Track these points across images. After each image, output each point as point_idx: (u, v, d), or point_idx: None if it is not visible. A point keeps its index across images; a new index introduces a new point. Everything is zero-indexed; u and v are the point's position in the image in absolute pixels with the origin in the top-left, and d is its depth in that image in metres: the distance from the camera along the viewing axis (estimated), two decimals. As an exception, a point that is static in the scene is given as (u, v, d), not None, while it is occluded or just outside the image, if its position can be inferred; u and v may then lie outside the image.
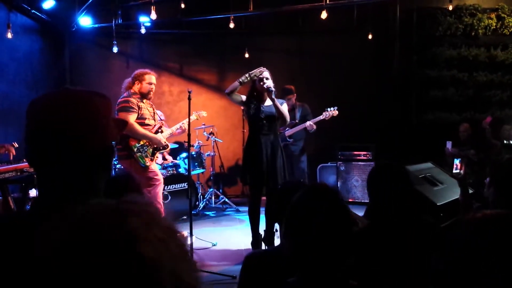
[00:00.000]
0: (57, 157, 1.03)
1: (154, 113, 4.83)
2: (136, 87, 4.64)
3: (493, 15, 7.40)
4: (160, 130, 4.79)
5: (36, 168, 1.09)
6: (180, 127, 5.05)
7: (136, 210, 0.61)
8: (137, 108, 4.53)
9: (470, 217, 0.83)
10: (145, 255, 0.55)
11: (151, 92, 4.70)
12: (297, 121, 6.12)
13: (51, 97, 1.09)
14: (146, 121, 4.65)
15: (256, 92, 4.49)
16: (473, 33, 7.40)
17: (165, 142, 4.80)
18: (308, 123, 5.99)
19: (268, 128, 4.43)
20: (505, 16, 7.36)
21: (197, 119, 5.53)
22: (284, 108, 4.48)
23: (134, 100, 4.53)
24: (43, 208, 1.06)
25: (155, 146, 4.67)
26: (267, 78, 4.43)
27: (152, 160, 4.63)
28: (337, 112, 6.03)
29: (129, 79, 4.73)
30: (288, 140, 6.08)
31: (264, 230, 4.35)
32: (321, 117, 6.05)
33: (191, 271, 0.62)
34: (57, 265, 0.54)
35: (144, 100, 4.68)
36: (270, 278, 1.78)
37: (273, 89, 4.35)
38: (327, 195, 1.40)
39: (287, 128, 6.04)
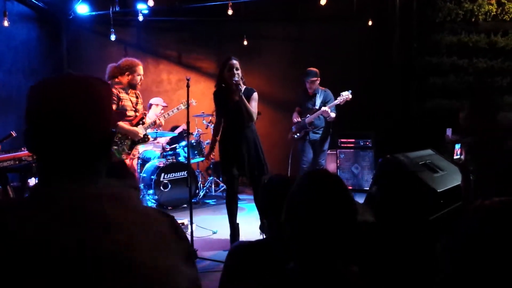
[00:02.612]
0: (58, 143, 1.01)
1: (137, 103, 4.72)
2: (125, 78, 4.54)
3: (493, 1, 7.32)
4: (141, 122, 4.68)
5: (36, 154, 1.06)
6: (155, 121, 4.95)
7: (108, 196, 0.58)
8: (117, 100, 4.46)
9: (477, 205, 0.80)
10: (119, 239, 0.53)
11: (139, 83, 4.63)
12: (316, 107, 5.91)
13: (52, 83, 1.06)
14: (126, 113, 4.58)
15: (225, 83, 4.36)
16: (473, 19, 7.33)
17: (144, 135, 4.69)
18: (323, 109, 5.77)
19: (240, 120, 4.34)
20: (506, 1, 7.29)
21: (185, 108, 5.52)
22: (253, 104, 4.37)
23: (115, 91, 4.44)
24: (39, 195, 1.04)
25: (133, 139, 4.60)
26: (237, 69, 4.28)
27: (129, 154, 4.55)
28: (350, 96, 5.82)
29: (114, 66, 4.61)
30: (308, 127, 5.92)
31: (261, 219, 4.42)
32: (336, 102, 5.85)
33: (167, 256, 0.59)
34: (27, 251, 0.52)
35: (129, 90, 4.60)
36: (257, 269, 1.77)
37: (241, 86, 4.23)
38: (327, 181, 1.37)
39: (307, 115, 5.93)
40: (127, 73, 4.55)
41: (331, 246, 1.28)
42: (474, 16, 7.32)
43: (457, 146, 2.89)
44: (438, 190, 3.59)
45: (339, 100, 5.85)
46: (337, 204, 1.31)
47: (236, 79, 4.23)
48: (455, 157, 2.89)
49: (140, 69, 4.60)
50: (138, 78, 4.58)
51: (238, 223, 4.54)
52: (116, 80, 4.54)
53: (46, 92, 1.04)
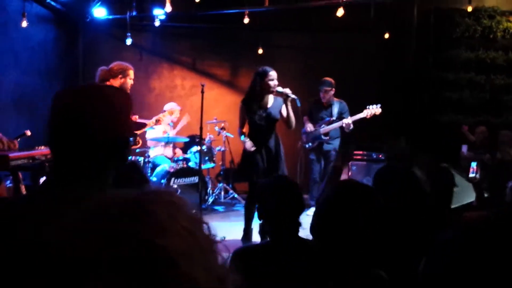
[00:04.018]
0: (76, 147, 1.09)
1: None
2: (117, 81, 4.49)
3: (512, 18, 7.28)
4: None
5: (54, 154, 1.14)
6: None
7: (159, 200, 0.58)
8: None
9: (460, 218, 0.81)
10: (171, 248, 0.52)
11: (129, 87, 4.62)
12: (333, 118, 5.87)
13: (76, 92, 1.17)
14: None
15: (260, 90, 4.39)
16: (491, 36, 7.28)
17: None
18: (345, 121, 5.71)
19: (270, 127, 4.46)
20: (525, 19, 7.24)
21: (169, 116, 5.87)
22: (290, 110, 4.46)
23: None
24: (48, 193, 1.10)
25: None
26: (276, 79, 4.38)
27: None
28: (380, 110, 5.72)
29: (105, 69, 4.57)
30: (323, 137, 5.88)
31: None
32: (362, 115, 5.74)
33: (220, 262, 0.60)
34: (66, 254, 0.50)
35: None
36: (260, 272, 1.78)
37: (290, 93, 4.33)
38: (361, 192, 1.48)
39: (323, 125, 5.87)
40: (120, 76, 4.50)
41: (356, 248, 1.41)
42: (492, 33, 7.26)
43: (473, 164, 2.82)
44: (452, 207, 3.54)
45: (366, 113, 5.74)
46: (368, 213, 1.43)
47: (286, 90, 4.36)
48: (471, 175, 2.82)
49: (132, 73, 4.59)
50: (130, 82, 4.58)
51: (252, 228, 4.54)
52: (107, 83, 4.47)
53: (68, 100, 1.13)
